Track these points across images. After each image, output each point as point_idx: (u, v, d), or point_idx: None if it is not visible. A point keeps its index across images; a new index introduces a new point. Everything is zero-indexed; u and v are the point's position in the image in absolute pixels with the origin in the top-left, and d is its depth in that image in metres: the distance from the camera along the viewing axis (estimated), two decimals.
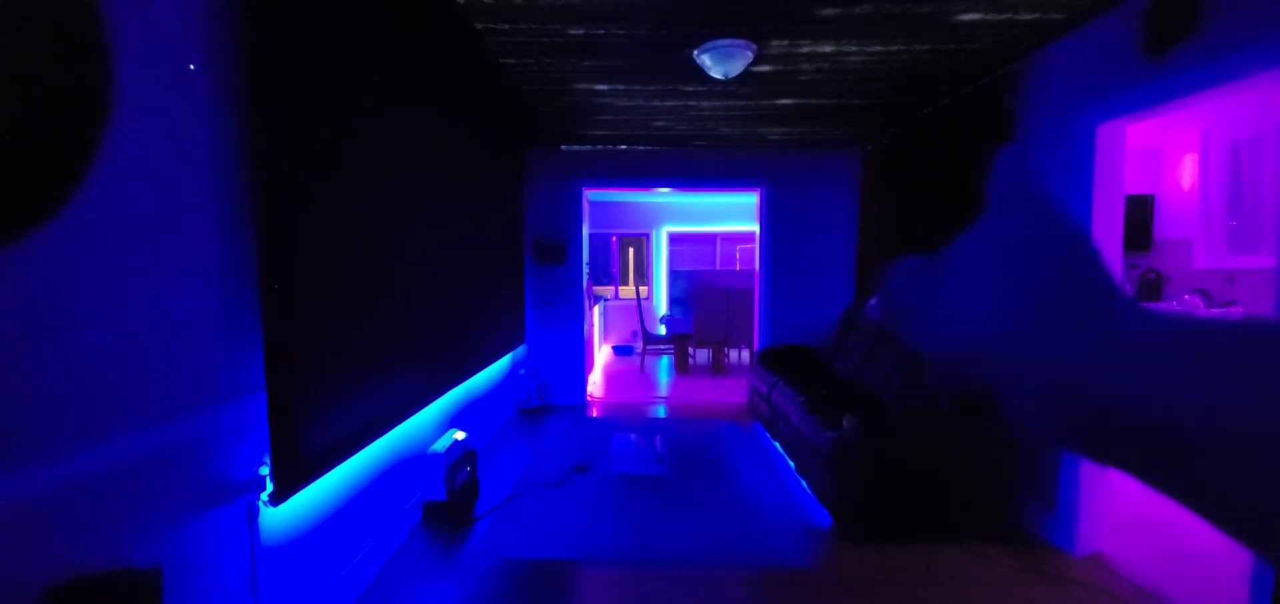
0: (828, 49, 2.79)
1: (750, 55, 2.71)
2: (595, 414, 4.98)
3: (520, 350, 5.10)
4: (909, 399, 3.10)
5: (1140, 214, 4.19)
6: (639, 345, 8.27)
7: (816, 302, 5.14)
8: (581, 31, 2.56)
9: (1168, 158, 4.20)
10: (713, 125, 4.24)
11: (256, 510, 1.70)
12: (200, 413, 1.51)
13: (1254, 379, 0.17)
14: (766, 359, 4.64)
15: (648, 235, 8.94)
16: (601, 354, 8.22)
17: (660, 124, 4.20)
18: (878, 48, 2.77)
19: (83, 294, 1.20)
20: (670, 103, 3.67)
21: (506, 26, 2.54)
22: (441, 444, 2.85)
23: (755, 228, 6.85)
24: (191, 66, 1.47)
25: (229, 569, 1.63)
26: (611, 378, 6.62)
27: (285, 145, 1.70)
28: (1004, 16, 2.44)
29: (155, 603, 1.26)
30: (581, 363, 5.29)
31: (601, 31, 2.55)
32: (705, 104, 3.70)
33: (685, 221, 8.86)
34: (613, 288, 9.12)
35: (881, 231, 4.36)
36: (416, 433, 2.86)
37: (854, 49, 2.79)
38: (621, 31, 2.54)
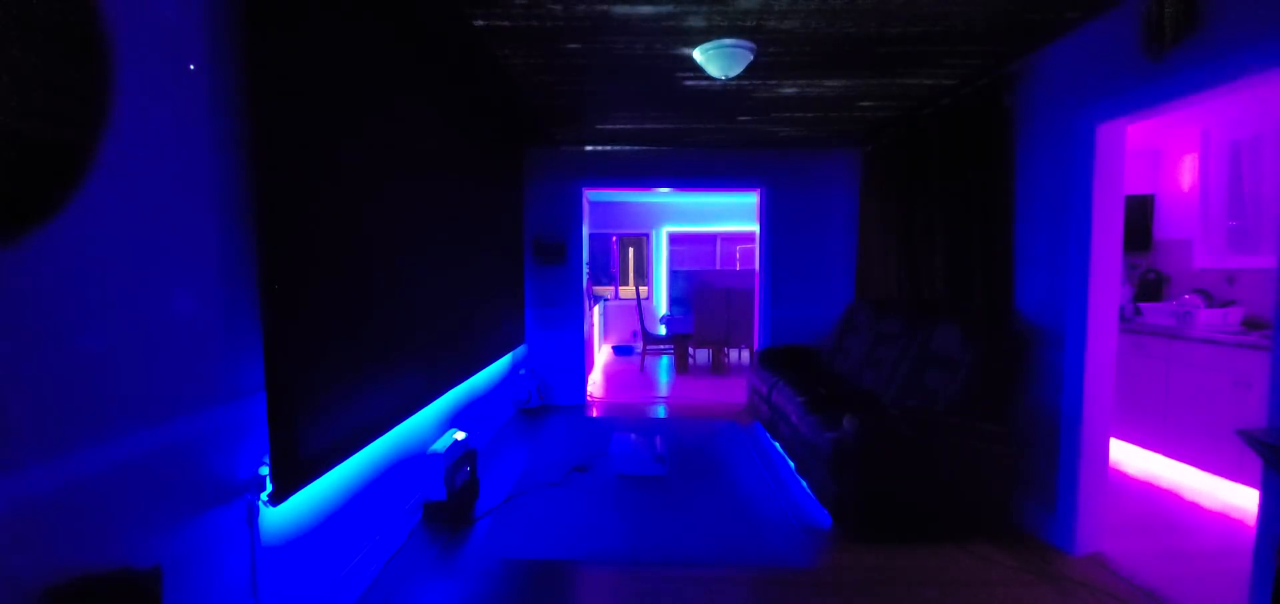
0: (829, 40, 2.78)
1: (749, 56, 2.71)
2: (595, 414, 4.98)
3: (520, 350, 5.10)
4: (909, 399, 3.10)
5: (1140, 214, 4.19)
6: (639, 345, 8.27)
7: (816, 301, 5.14)
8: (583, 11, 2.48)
9: (1168, 158, 4.19)
10: (712, 126, 4.24)
11: (256, 510, 1.70)
12: (200, 413, 1.51)
13: None
14: (766, 359, 4.64)
15: (648, 235, 8.94)
16: (601, 354, 8.21)
17: (660, 125, 4.20)
18: (881, 48, 2.77)
19: (83, 294, 1.20)
20: (669, 101, 3.67)
21: (506, 23, 2.53)
22: (441, 444, 2.85)
23: (755, 228, 6.85)
24: (191, 66, 1.47)
25: (229, 569, 1.63)
26: (611, 378, 6.61)
27: (285, 145, 1.70)
28: (1004, 16, 2.44)
29: (155, 603, 1.26)
30: (581, 363, 5.29)
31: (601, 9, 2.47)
32: (705, 101, 3.70)
33: (685, 221, 8.86)
34: (613, 288, 9.12)
35: (881, 232, 4.36)
36: (416, 433, 2.86)
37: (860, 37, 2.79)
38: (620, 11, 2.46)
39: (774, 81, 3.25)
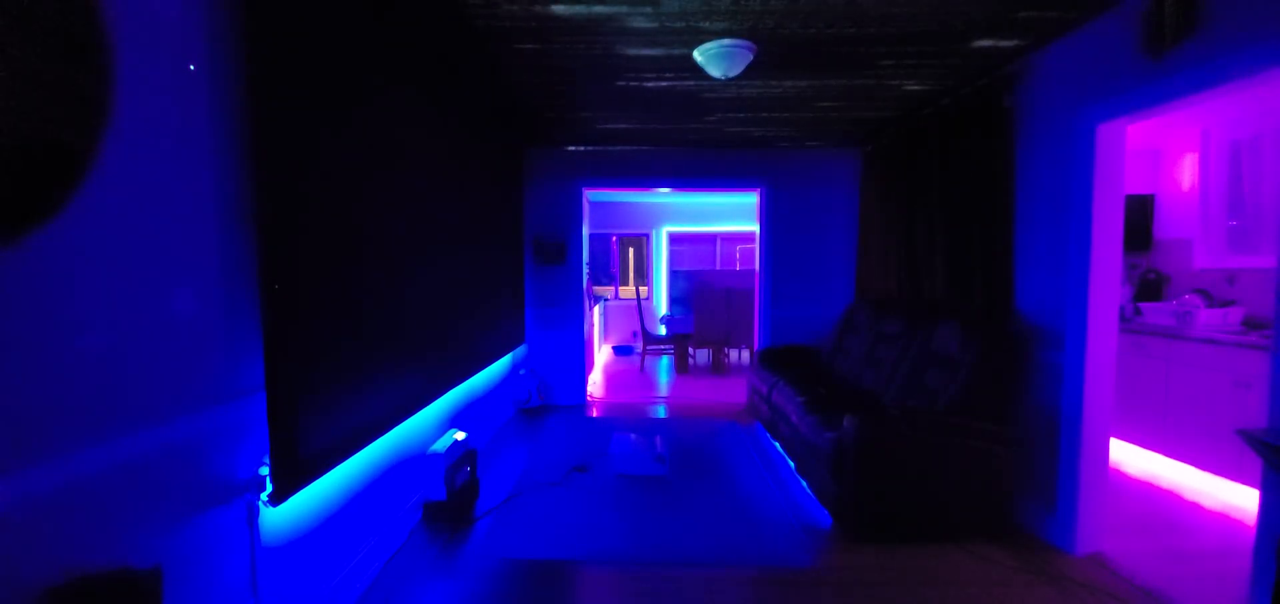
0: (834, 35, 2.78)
1: (750, 55, 2.71)
2: (595, 414, 4.98)
3: (520, 350, 5.10)
4: (909, 399, 3.10)
5: (1140, 214, 4.19)
6: (639, 345, 8.27)
7: (816, 302, 5.14)
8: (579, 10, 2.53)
9: (1168, 158, 4.19)
10: (714, 122, 4.24)
11: (256, 510, 1.70)
12: (200, 413, 1.51)
13: None
14: (766, 359, 4.64)
15: (648, 235, 8.93)
16: (601, 354, 8.21)
17: (659, 124, 4.20)
18: (882, 49, 2.77)
19: (83, 294, 1.20)
20: (671, 99, 3.67)
21: (507, 24, 2.53)
22: (441, 444, 2.85)
23: (755, 228, 6.85)
24: (191, 67, 1.47)
25: (229, 569, 1.63)
26: (611, 378, 6.61)
27: (285, 146, 1.70)
28: (1005, 16, 2.44)
29: (155, 603, 1.26)
30: (581, 363, 5.29)
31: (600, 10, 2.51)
32: (706, 99, 3.70)
33: (685, 221, 8.86)
34: (613, 288, 9.12)
35: (881, 232, 4.36)
36: (416, 433, 2.86)
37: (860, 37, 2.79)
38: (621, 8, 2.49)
39: (773, 82, 3.26)
